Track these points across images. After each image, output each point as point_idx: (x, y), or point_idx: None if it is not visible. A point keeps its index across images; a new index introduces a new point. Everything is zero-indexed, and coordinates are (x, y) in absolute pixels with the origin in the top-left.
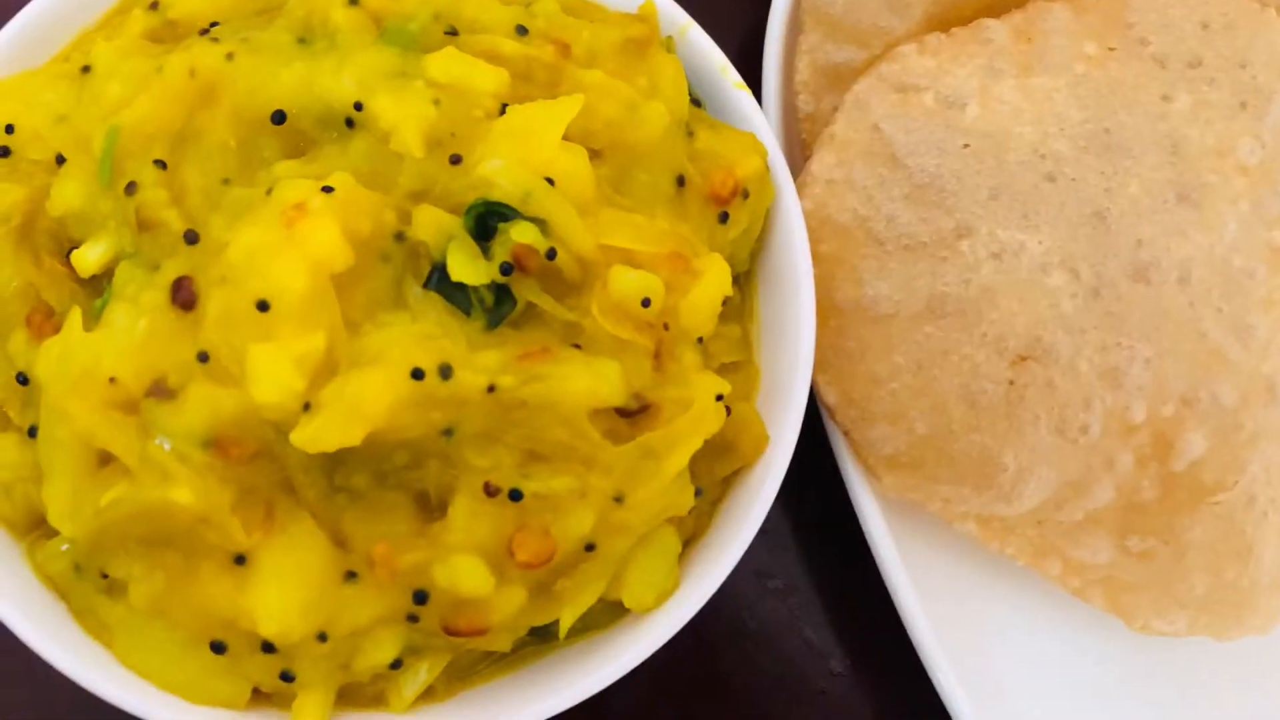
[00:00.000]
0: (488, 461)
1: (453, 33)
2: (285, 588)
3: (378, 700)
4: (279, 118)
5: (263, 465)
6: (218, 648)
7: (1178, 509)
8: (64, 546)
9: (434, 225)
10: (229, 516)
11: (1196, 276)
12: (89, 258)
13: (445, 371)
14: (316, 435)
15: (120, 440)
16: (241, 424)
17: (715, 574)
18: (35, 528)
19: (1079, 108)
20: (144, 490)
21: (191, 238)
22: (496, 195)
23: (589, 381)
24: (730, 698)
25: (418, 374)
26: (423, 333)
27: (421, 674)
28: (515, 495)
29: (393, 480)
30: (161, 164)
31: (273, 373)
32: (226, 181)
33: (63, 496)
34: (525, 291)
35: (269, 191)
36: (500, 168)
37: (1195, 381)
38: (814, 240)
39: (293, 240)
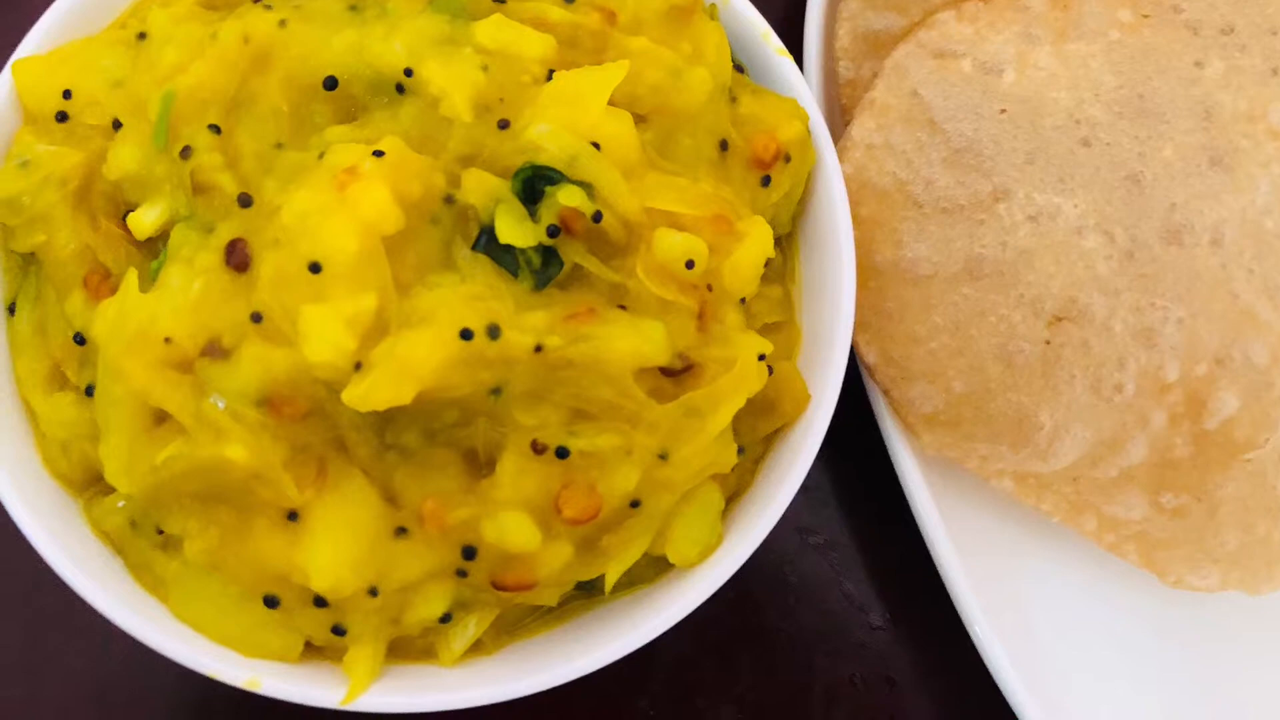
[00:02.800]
0: (535, 420)
1: (501, 0)
2: (337, 543)
3: (427, 653)
4: (331, 84)
5: (315, 423)
6: (271, 602)
7: (1210, 466)
8: (120, 503)
9: (482, 188)
10: (282, 473)
11: (1228, 239)
12: (145, 220)
13: (493, 332)
14: (367, 394)
15: (175, 399)
16: (294, 383)
17: (757, 530)
18: (92, 484)
19: (1114, 73)
20: (199, 448)
21: (245, 201)
22: (544, 159)
23: (634, 341)
24: (772, 650)
25: (466, 334)
26: (471, 294)
27: (470, 628)
28: (562, 453)
29: (442, 438)
30: (216, 129)
31: (325, 333)
32: (279, 146)
33: (119, 454)
34: (572, 253)
35: (321, 155)
36: (547, 132)
37: (1227, 341)
38: (854, 203)
39: (344, 203)
